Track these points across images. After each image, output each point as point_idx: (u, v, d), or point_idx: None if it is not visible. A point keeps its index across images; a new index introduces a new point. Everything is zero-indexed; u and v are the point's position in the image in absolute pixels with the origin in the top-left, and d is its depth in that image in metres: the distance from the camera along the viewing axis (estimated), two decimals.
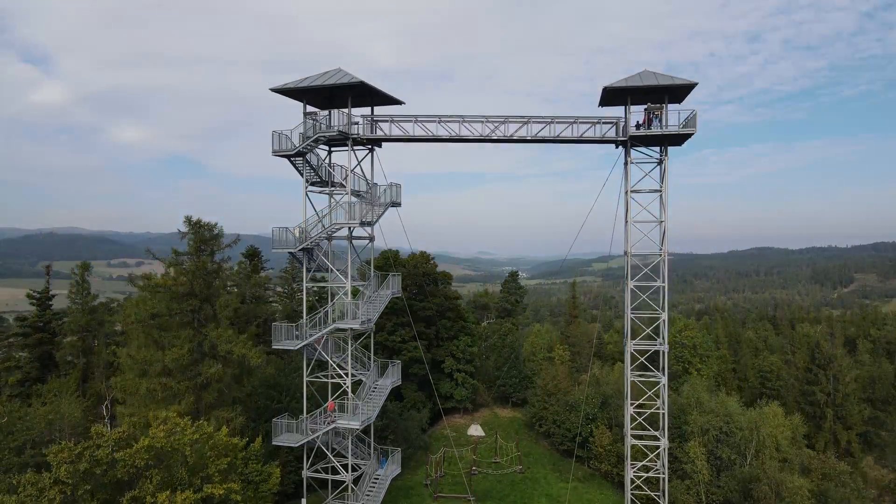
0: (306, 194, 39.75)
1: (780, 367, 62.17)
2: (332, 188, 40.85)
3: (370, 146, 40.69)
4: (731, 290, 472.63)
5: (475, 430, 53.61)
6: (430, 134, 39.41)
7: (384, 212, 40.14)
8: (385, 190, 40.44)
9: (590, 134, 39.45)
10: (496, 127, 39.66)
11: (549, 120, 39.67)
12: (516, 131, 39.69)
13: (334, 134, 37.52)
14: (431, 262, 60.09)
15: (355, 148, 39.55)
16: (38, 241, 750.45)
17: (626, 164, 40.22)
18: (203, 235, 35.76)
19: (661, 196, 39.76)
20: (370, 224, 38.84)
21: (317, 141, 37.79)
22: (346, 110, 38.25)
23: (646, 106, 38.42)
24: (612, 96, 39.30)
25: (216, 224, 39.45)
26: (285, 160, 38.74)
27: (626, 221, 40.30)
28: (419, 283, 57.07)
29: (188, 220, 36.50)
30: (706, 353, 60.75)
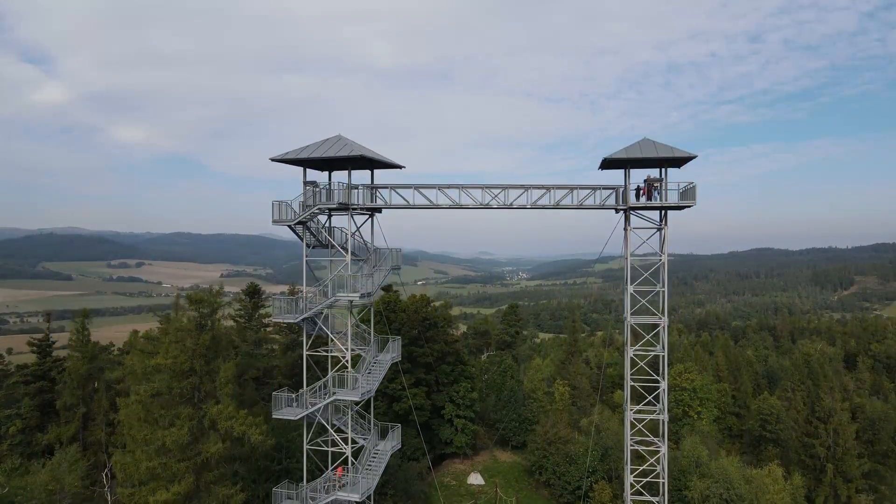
0: (306, 262, 39.82)
1: (781, 410, 62.25)
2: (333, 250, 40.77)
3: (370, 212, 40.70)
4: (731, 293, 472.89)
5: (475, 479, 53.67)
6: (431, 203, 39.35)
7: (384, 279, 40.18)
8: (386, 256, 40.54)
9: (589, 202, 39.46)
10: (497, 195, 39.66)
11: (549, 187, 39.65)
12: (517, 199, 39.71)
13: (334, 206, 37.55)
14: (431, 305, 60.13)
15: (355, 214, 39.53)
16: (38, 242, 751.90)
17: (625, 229, 40.15)
18: (203, 312, 35.73)
19: (661, 264, 39.70)
20: (370, 295, 38.78)
21: (317, 211, 37.80)
22: (345, 181, 38.30)
23: (645, 178, 38.40)
24: (611, 163, 39.27)
25: (220, 288, 39.52)
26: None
27: (626, 288, 40.27)
28: (418, 328, 57.09)
29: (189, 297, 36.49)
30: (706, 397, 60.85)
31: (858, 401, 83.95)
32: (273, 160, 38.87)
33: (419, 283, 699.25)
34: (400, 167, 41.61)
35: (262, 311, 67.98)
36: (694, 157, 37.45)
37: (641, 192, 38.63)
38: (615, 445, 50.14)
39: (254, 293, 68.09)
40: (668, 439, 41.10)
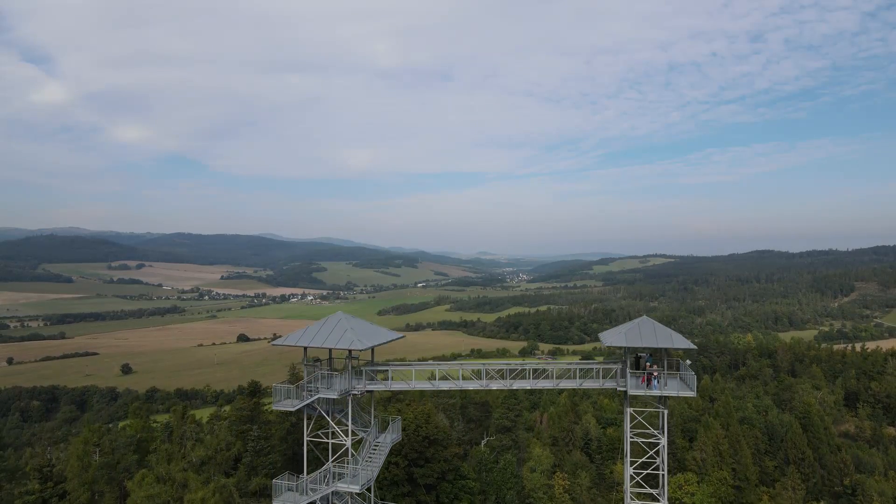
0: (306, 441, 39.99)
1: None
2: (333, 431, 40.61)
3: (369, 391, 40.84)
4: (731, 299, 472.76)
5: None
6: (433, 386, 39.54)
7: (384, 458, 40.38)
8: (386, 433, 40.79)
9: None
10: (497, 372, 39.91)
11: (550, 362, 39.90)
12: (516, 375, 39.98)
13: (335, 396, 37.66)
14: (431, 423, 60.24)
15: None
16: (38, 243, 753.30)
17: (625, 407, 40.26)
18: None
19: (661, 446, 39.81)
20: (370, 481, 38.90)
21: (318, 399, 37.93)
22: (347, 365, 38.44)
23: (645, 367, 38.48)
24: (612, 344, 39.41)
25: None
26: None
27: (626, 465, 40.45)
28: (419, 448, 57.34)
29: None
30: None
31: (858, 478, 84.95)
32: (274, 345, 39.06)
33: (419, 284, 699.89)
34: (400, 337, 41.84)
35: (264, 410, 68.41)
36: (692, 349, 37.55)
37: (641, 379, 38.76)
38: None
39: (254, 392, 68.33)
40: None
